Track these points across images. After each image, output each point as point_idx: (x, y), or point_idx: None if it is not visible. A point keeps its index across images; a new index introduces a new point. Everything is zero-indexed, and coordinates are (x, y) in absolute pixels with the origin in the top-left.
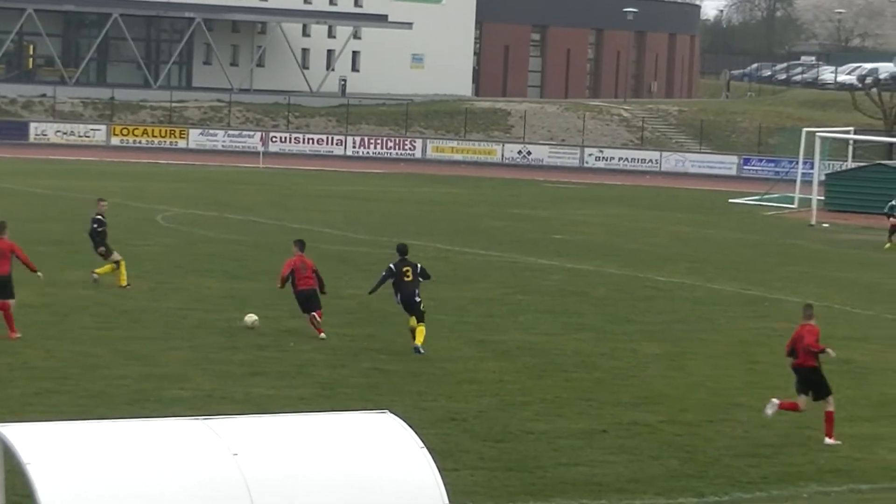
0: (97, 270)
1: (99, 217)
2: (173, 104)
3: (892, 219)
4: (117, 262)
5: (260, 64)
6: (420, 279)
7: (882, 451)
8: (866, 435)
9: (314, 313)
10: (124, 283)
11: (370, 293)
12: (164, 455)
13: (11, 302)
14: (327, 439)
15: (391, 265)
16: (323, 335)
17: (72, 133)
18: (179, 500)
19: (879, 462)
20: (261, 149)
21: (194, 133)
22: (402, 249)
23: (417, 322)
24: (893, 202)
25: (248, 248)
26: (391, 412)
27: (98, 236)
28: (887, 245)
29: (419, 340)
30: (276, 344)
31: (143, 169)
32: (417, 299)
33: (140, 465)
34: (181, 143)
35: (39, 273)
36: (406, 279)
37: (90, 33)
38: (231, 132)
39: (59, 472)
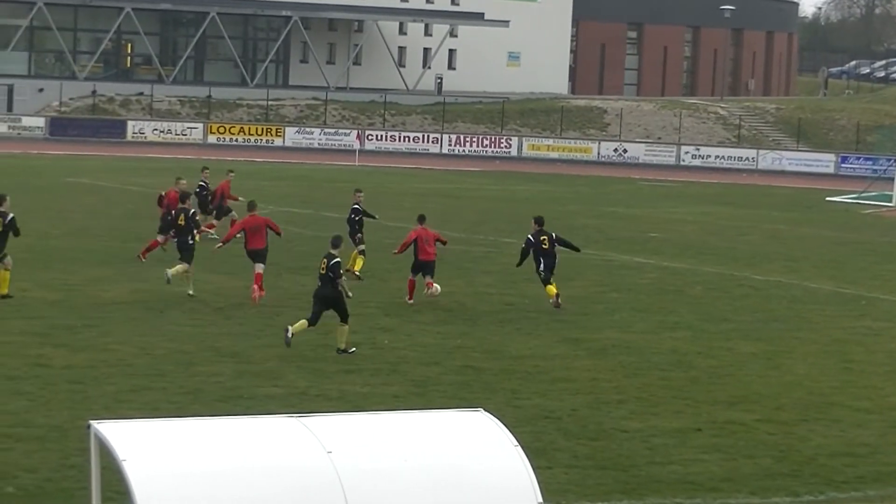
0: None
1: (356, 207)
2: (270, 102)
3: None
4: (363, 252)
5: (356, 62)
6: (558, 246)
7: None
8: None
9: (428, 281)
10: (357, 268)
11: (517, 266)
12: (259, 453)
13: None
14: (421, 437)
15: (529, 236)
16: (434, 290)
17: (169, 131)
18: (274, 497)
19: None
20: (357, 147)
21: (290, 131)
22: (540, 221)
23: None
24: None
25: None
26: (484, 410)
27: (355, 224)
28: None
29: (552, 292)
30: (369, 341)
31: (240, 167)
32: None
33: (234, 462)
34: (277, 142)
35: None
36: (544, 247)
37: (187, 32)
38: (327, 130)
39: (154, 470)
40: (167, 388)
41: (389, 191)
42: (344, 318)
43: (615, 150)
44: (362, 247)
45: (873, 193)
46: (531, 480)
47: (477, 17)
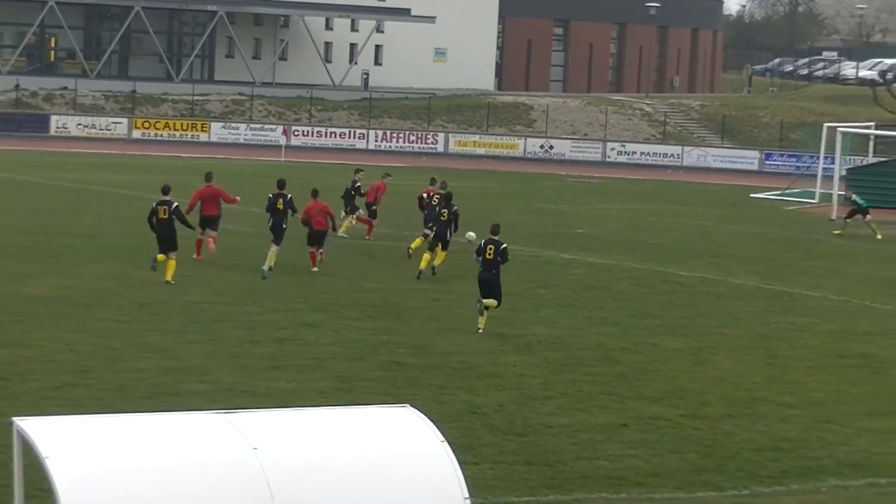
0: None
1: (359, 186)
2: (195, 97)
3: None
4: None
5: (282, 57)
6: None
7: None
8: (885, 429)
9: (319, 250)
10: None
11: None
12: (184, 449)
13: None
14: (348, 433)
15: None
16: (315, 269)
17: (93, 126)
18: (199, 494)
19: None
20: (283, 142)
21: (216, 126)
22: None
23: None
24: (855, 196)
25: (269, 241)
26: (411, 406)
27: (351, 198)
28: (839, 231)
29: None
30: (295, 337)
31: (165, 162)
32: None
33: (159, 458)
34: (203, 137)
35: (238, 198)
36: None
37: (112, 26)
38: (253, 126)
39: (77, 466)
40: (92, 385)
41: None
42: (499, 301)
43: (541, 146)
44: (360, 212)
45: (797, 190)
46: (458, 476)
47: (403, 13)
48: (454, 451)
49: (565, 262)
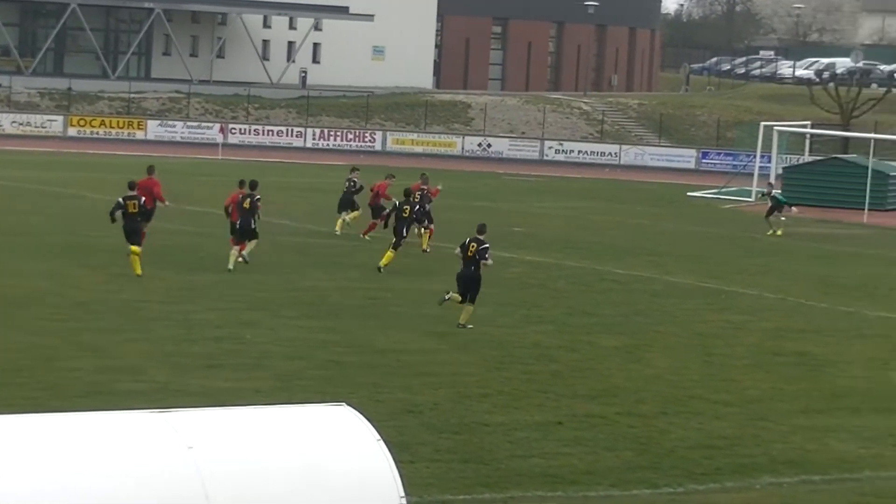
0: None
1: (355, 181)
2: (132, 95)
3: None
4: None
5: (220, 55)
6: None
7: (834, 443)
8: (820, 427)
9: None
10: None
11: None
12: (117, 448)
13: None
14: (284, 432)
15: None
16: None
17: (28, 124)
18: (133, 493)
19: (832, 453)
20: (220, 140)
21: (153, 124)
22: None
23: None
24: (776, 192)
25: (205, 239)
26: (348, 404)
27: (351, 196)
28: (773, 231)
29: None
30: (232, 336)
31: (101, 160)
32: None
33: (92, 458)
34: (139, 135)
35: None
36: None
37: (48, 23)
38: (190, 123)
39: (7, 466)
40: (25, 384)
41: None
42: (473, 300)
43: (479, 144)
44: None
45: (733, 189)
46: (393, 475)
47: (342, 11)
48: (390, 450)
49: (503, 260)
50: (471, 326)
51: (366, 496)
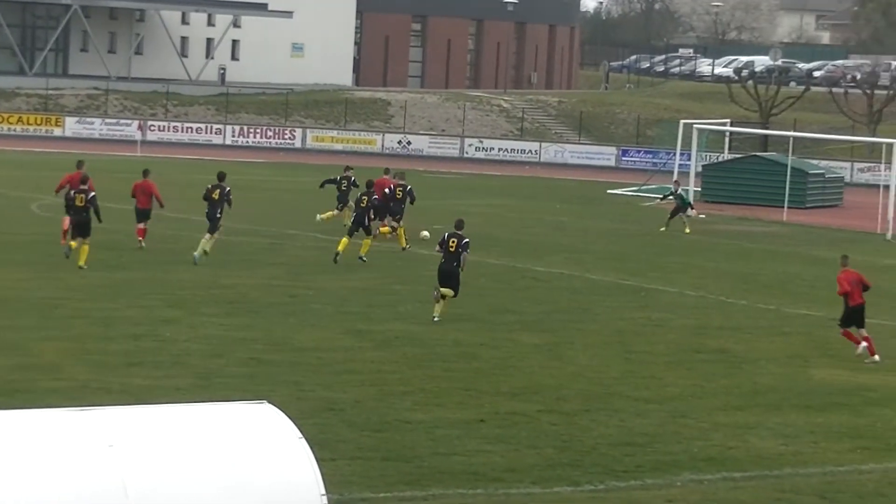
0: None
1: (350, 178)
2: (49, 92)
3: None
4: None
5: (138, 52)
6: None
7: (754, 440)
8: (740, 424)
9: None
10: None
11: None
12: (37, 446)
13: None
14: (204, 429)
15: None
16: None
17: None
18: (53, 491)
19: (752, 450)
20: (138, 137)
21: (70, 121)
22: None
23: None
24: (681, 191)
25: (124, 237)
26: (269, 402)
27: (346, 193)
28: (685, 228)
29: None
30: (152, 334)
31: (18, 157)
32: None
33: (10, 456)
34: (57, 132)
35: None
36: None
37: None
38: (108, 120)
39: None
40: None
41: (173, 182)
42: (456, 292)
43: (399, 141)
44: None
45: (653, 186)
46: (314, 473)
47: (260, 8)
48: (311, 448)
49: (423, 258)
50: (438, 319)
51: (287, 494)
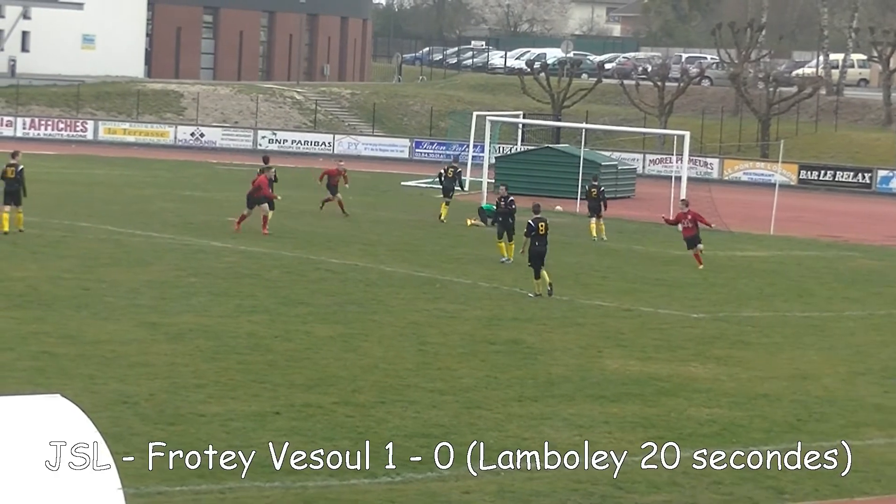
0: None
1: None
2: None
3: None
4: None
5: None
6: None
7: (549, 430)
8: (534, 414)
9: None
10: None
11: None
12: None
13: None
14: None
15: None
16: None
17: None
18: None
19: (547, 441)
20: None
21: None
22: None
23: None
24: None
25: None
26: (62, 395)
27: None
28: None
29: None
30: None
31: None
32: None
33: None
34: None
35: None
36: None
37: None
38: None
39: None
40: None
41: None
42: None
43: (192, 133)
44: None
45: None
46: (109, 466)
47: (51, 0)
48: (105, 441)
49: (216, 249)
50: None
51: (82, 488)
